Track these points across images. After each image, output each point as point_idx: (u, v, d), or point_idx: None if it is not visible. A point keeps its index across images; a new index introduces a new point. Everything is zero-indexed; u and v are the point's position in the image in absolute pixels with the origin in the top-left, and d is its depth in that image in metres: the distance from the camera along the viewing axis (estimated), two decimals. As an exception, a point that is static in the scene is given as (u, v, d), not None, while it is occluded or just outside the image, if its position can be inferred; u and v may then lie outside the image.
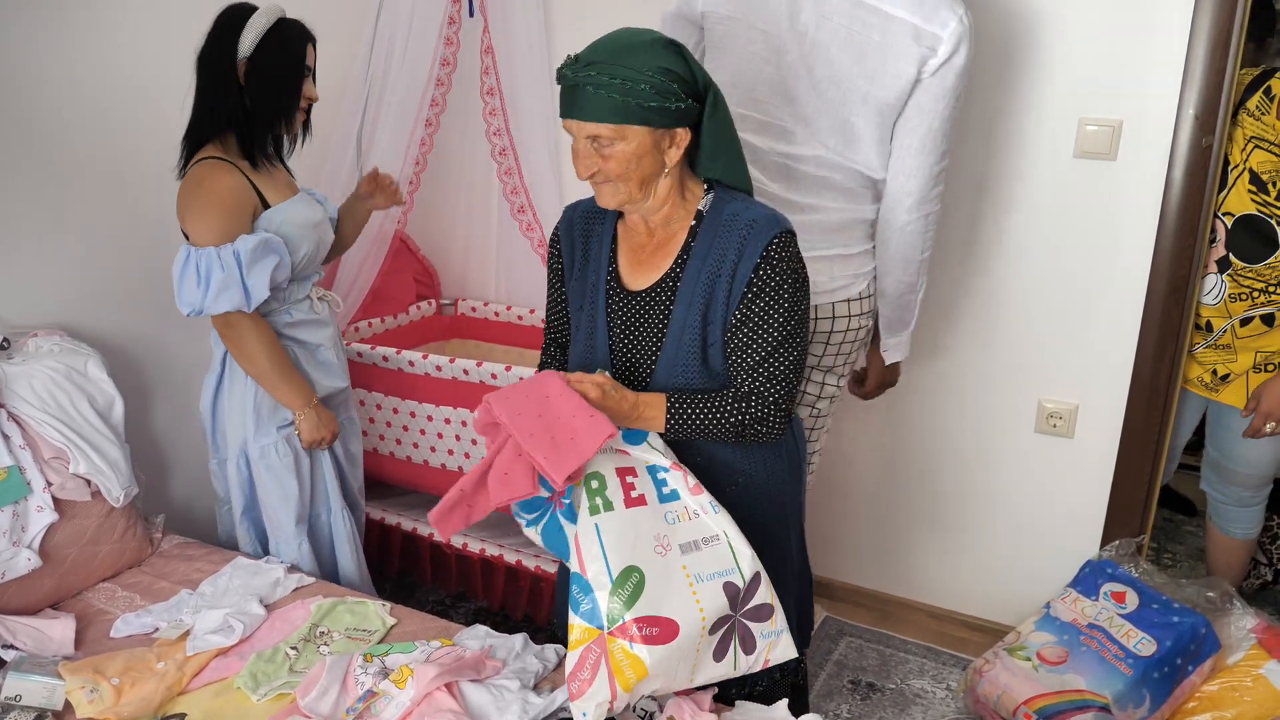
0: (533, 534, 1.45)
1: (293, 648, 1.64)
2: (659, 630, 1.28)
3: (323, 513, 2.02)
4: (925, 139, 1.74)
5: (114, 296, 2.11)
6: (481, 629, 1.68)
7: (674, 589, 1.31)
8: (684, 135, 1.38)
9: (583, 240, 1.54)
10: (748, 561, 1.36)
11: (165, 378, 2.24)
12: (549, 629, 2.21)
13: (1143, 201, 2.05)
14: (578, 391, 1.34)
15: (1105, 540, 2.30)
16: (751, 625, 1.36)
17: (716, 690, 1.47)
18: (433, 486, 2.39)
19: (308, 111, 1.89)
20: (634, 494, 1.35)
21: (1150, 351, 2.12)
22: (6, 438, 1.77)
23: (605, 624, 1.28)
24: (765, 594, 1.38)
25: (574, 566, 1.33)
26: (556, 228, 1.58)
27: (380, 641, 1.68)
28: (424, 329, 2.81)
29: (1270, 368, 2.11)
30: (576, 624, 1.31)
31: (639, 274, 1.49)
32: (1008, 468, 2.37)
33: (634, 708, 1.45)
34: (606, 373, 1.45)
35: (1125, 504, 2.26)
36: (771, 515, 1.55)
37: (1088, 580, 2.23)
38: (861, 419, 2.52)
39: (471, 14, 2.51)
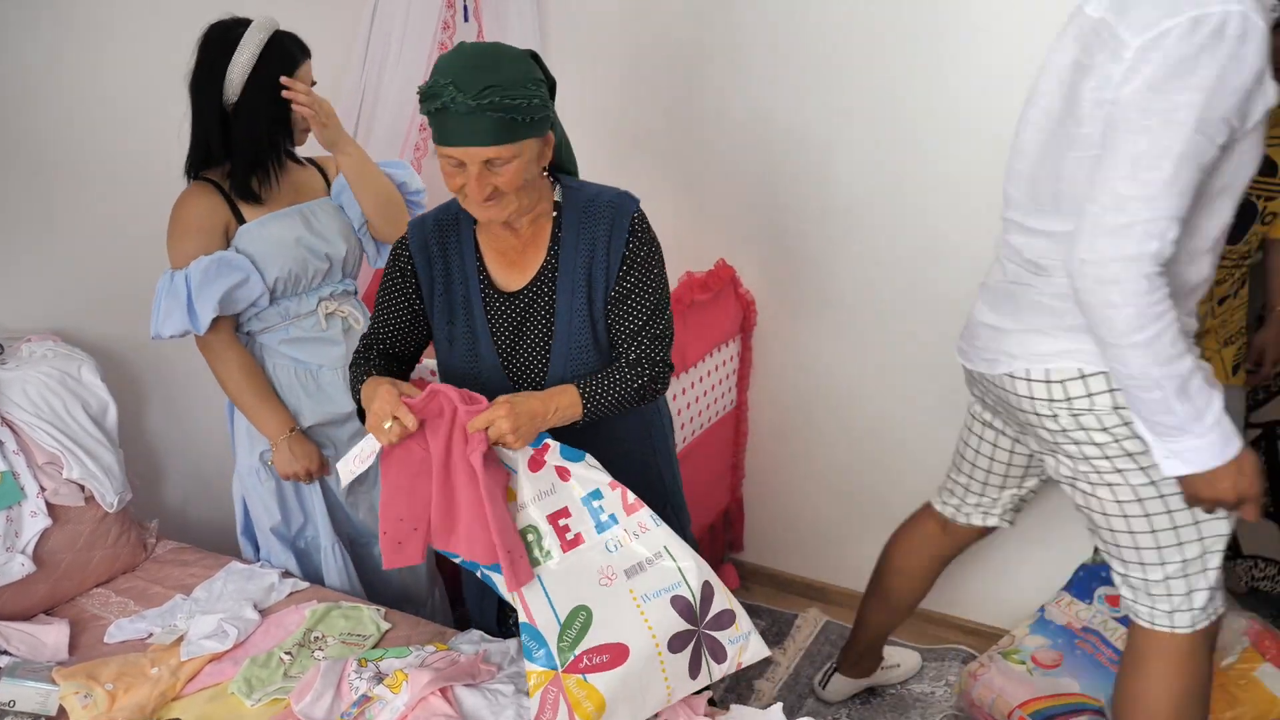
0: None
1: (287, 653, 1.64)
2: (609, 656, 1.31)
3: (312, 551, 1.99)
4: None
5: (108, 302, 2.11)
6: (476, 633, 1.68)
7: (622, 614, 1.34)
8: (552, 136, 1.43)
9: (440, 255, 1.53)
10: (693, 573, 1.38)
11: (159, 383, 2.24)
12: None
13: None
14: (487, 431, 1.33)
15: (1100, 543, 2.31)
16: (717, 635, 1.39)
17: (712, 695, 1.48)
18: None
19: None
20: (569, 536, 1.38)
21: (1144, 355, 2.13)
22: (0, 443, 1.77)
23: (558, 665, 1.32)
24: (722, 601, 1.40)
25: (523, 617, 1.35)
26: (404, 243, 1.54)
27: (374, 646, 1.68)
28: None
29: (1233, 341, 2.14)
30: (533, 670, 1.34)
31: (512, 274, 1.52)
32: (1003, 471, 2.37)
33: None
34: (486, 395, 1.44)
35: (1120, 507, 2.27)
36: (665, 466, 1.69)
37: (1082, 584, 2.23)
38: (854, 424, 2.52)
39: (466, 19, 2.51)
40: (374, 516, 2.02)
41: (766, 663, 2.44)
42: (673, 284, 2.27)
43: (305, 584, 1.89)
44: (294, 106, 1.75)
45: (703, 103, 2.47)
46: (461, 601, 2.55)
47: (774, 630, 2.57)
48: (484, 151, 1.32)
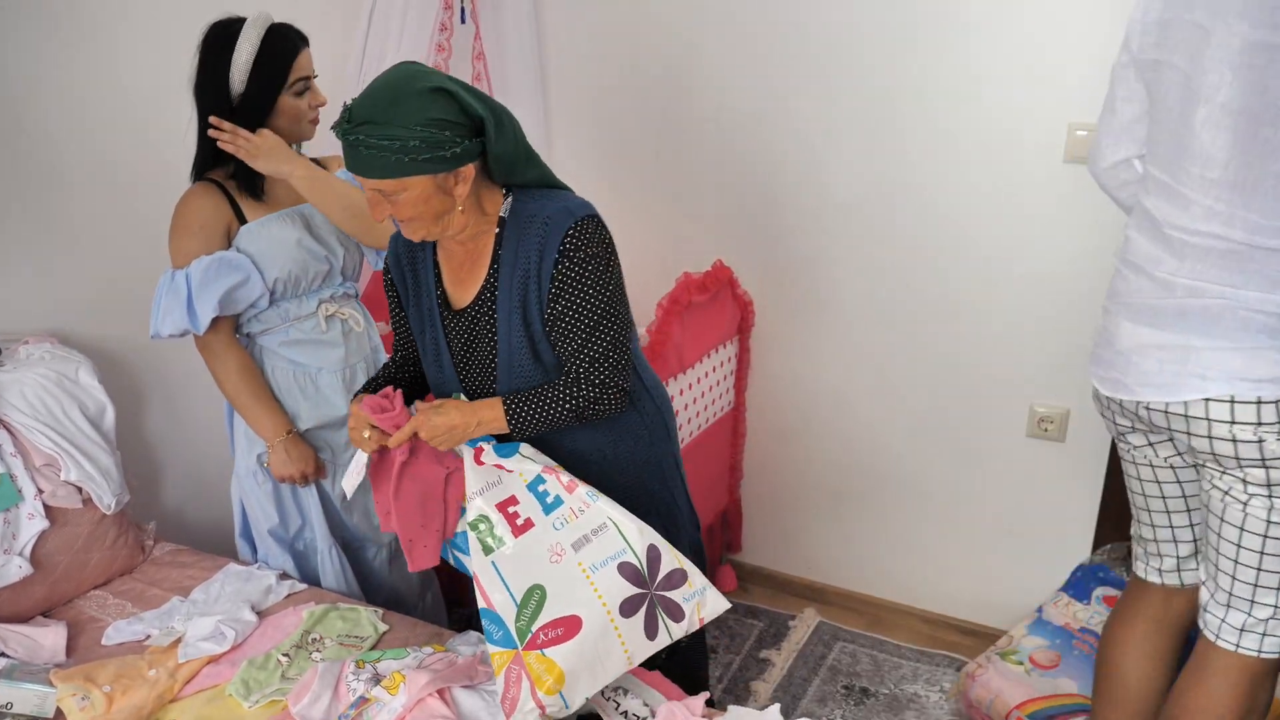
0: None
1: (284, 654, 1.64)
2: (563, 630, 1.35)
3: (310, 554, 1.99)
4: None
5: (105, 303, 2.11)
6: (473, 635, 1.68)
7: (573, 587, 1.38)
8: (468, 171, 1.40)
9: (410, 268, 1.59)
10: (636, 538, 1.41)
11: (156, 384, 2.24)
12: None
13: (1132, 207, 2.06)
14: (409, 438, 1.48)
15: (1097, 544, 2.31)
16: (670, 595, 1.42)
17: (709, 695, 1.49)
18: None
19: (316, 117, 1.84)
20: (519, 521, 1.43)
21: (1140, 356, 2.13)
22: (-2, 445, 1.77)
23: (518, 644, 1.36)
24: (671, 560, 1.43)
25: (481, 603, 1.40)
26: (387, 257, 1.62)
27: (372, 648, 1.68)
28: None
29: None
30: (495, 651, 1.38)
31: (461, 291, 1.54)
32: (999, 472, 2.38)
33: (628, 715, 1.45)
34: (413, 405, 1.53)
35: (1117, 508, 2.27)
36: (650, 477, 1.65)
37: (1080, 584, 2.24)
38: (851, 425, 2.53)
39: (464, 21, 2.52)
40: (368, 521, 2.03)
41: (763, 664, 2.44)
42: (670, 285, 2.28)
43: (303, 586, 1.89)
44: (220, 145, 1.72)
45: (700, 104, 2.47)
46: (459, 603, 2.55)
47: (771, 631, 2.57)
48: (367, 181, 1.37)
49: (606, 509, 1.43)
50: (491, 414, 1.47)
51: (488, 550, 1.42)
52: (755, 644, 2.52)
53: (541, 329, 1.48)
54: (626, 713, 1.45)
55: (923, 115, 2.21)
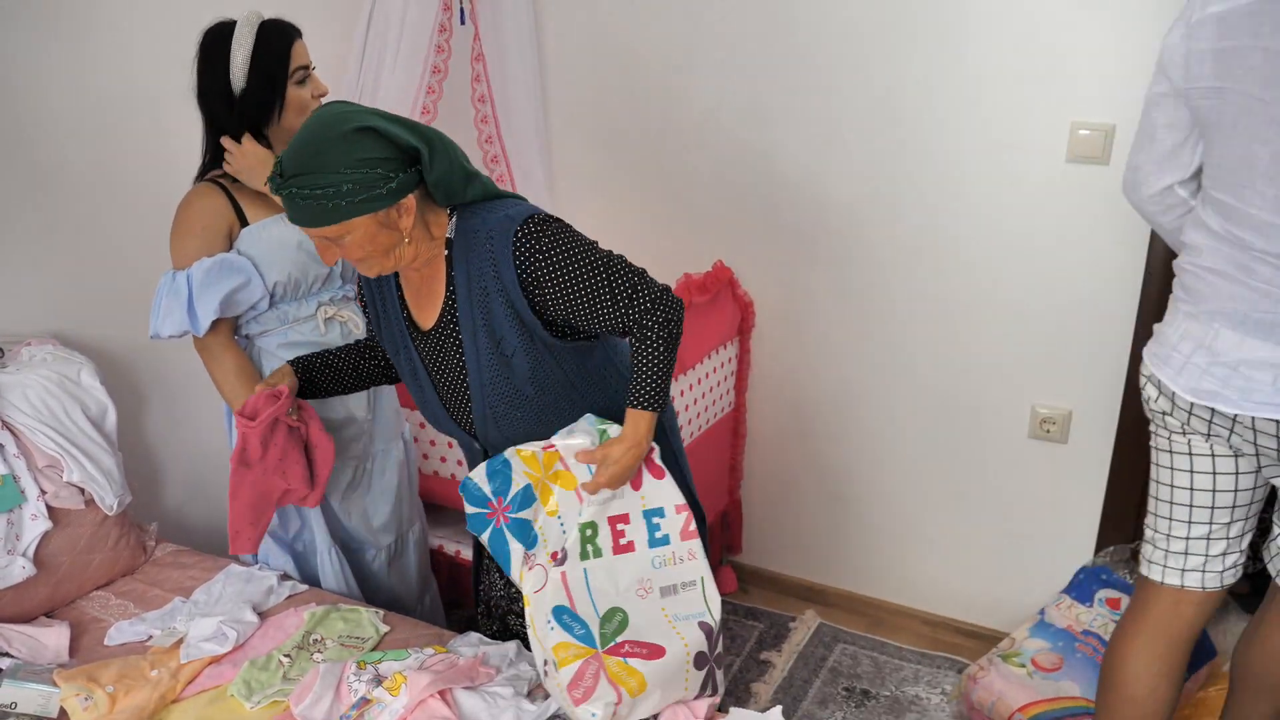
0: (480, 537, 1.50)
1: (286, 655, 1.64)
2: (649, 651, 1.40)
3: (309, 554, 1.99)
4: None
5: (106, 305, 2.11)
6: (474, 636, 1.68)
7: (656, 625, 1.44)
8: (409, 202, 1.38)
9: (378, 292, 1.60)
10: (717, 607, 1.49)
11: (158, 386, 2.24)
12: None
13: (1135, 207, 2.05)
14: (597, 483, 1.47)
15: (1099, 546, 2.31)
16: (717, 672, 1.50)
17: (717, 699, 1.50)
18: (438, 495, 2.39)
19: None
20: (623, 541, 1.47)
21: (1142, 357, 2.13)
22: (1, 446, 1.77)
23: (598, 645, 1.41)
24: (719, 649, 1.51)
25: (562, 599, 1.43)
26: (357, 276, 1.66)
27: (373, 649, 1.68)
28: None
29: None
30: (568, 644, 1.40)
31: (424, 313, 1.55)
32: (1000, 473, 2.37)
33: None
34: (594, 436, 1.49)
35: (1119, 510, 2.26)
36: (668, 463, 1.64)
37: (1082, 586, 2.24)
38: (852, 426, 2.53)
39: (463, 22, 2.52)
40: (365, 522, 2.03)
41: (763, 665, 2.44)
42: (670, 285, 2.28)
43: (304, 586, 1.89)
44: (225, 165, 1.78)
45: (699, 103, 2.47)
46: (458, 605, 2.55)
47: (771, 633, 2.57)
48: (310, 231, 1.37)
49: (704, 570, 1.48)
50: (636, 426, 1.46)
51: (584, 556, 1.46)
52: (755, 645, 2.52)
53: (518, 341, 1.46)
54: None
55: (924, 114, 2.21)
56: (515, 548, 1.46)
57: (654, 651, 1.40)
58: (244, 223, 1.80)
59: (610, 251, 1.47)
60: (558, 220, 1.45)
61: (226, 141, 1.76)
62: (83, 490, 1.87)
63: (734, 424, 2.63)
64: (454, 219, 1.47)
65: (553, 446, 1.48)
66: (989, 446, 2.37)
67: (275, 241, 1.81)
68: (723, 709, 1.52)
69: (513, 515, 1.46)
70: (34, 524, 1.79)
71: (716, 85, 2.44)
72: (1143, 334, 2.12)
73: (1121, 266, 2.11)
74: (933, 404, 2.41)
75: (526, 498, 1.46)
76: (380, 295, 1.59)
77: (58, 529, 1.82)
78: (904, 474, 2.50)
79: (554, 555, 1.46)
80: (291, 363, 1.71)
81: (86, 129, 2.04)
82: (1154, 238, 2.06)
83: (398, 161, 1.35)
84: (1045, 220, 2.16)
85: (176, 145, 2.06)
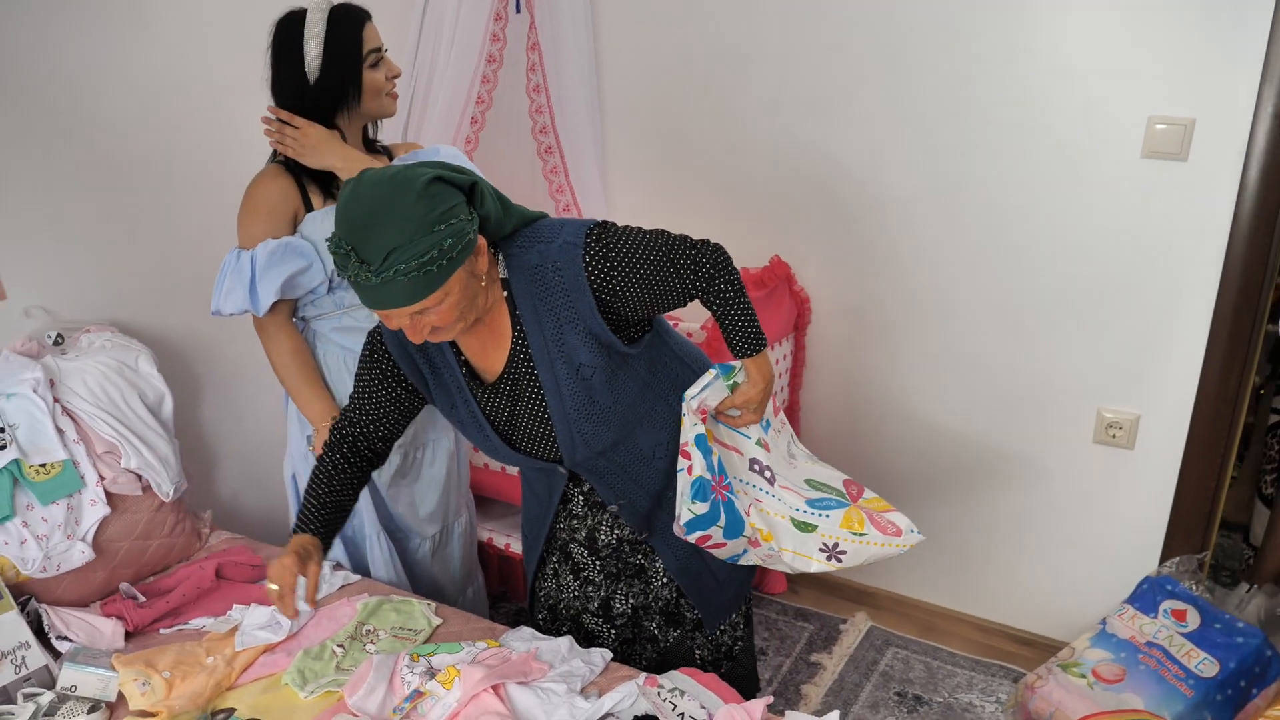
0: (714, 533, 1.47)
1: (339, 645, 1.64)
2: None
3: (359, 540, 1.99)
4: None
5: (164, 293, 2.13)
6: (527, 630, 1.67)
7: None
8: (481, 241, 1.30)
9: (422, 356, 1.49)
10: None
11: (213, 373, 2.26)
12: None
13: (1215, 204, 1.97)
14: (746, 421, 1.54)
15: (1165, 556, 2.23)
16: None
17: (771, 700, 1.46)
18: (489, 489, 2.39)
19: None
20: (767, 474, 1.56)
21: (1218, 361, 2.05)
22: (61, 432, 1.79)
23: (849, 501, 1.55)
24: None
25: (799, 502, 1.52)
26: (379, 337, 1.50)
27: (426, 641, 1.67)
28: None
29: None
30: (835, 513, 1.52)
31: (489, 363, 1.47)
32: (1064, 479, 2.30)
33: (684, 716, 1.42)
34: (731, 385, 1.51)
35: (1188, 520, 2.19)
36: None
37: (1146, 597, 2.16)
38: (908, 428, 2.47)
39: (519, 10, 2.50)
40: (412, 510, 2.03)
41: (813, 667, 2.40)
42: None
43: (356, 576, 1.89)
44: (269, 141, 1.76)
45: (756, 94, 2.43)
46: (504, 598, 2.55)
47: (822, 635, 2.53)
48: (406, 310, 1.26)
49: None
50: (759, 367, 1.49)
51: (793, 457, 1.61)
52: (805, 647, 2.48)
53: (601, 360, 1.41)
54: (684, 714, 1.43)
55: (991, 108, 2.15)
56: (742, 503, 1.49)
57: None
58: (309, 207, 1.80)
59: (655, 230, 1.44)
60: (604, 223, 1.40)
61: (289, 115, 1.73)
62: (140, 476, 1.88)
63: (788, 421, 2.58)
64: (500, 257, 1.40)
65: (701, 424, 1.48)
66: (1052, 451, 2.30)
67: (330, 228, 1.81)
68: (777, 711, 1.48)
69: (727, 484, 1.49)
70: (93, 509, 1.80)
71: (774, 79, 2.39)
72: (1218, 338, 2.04)
73: (1197, 267, 2.03)
74: (993, 406, 2.34)
75: (719, 466, 1.49)
76: (427, 360, 1.49)
77: (115, 515, 1.84)
78: (961, 476, 2.44)
79: (769, 480, 1.54)
80: (306, 529, 1.52)
81: (145, 119, 2.06)
82: (1232, 238, 1.98)
83: (464, 203, 1.28)
84: (1116, 218, 2.09)
85: (234, 135, 2.07)
